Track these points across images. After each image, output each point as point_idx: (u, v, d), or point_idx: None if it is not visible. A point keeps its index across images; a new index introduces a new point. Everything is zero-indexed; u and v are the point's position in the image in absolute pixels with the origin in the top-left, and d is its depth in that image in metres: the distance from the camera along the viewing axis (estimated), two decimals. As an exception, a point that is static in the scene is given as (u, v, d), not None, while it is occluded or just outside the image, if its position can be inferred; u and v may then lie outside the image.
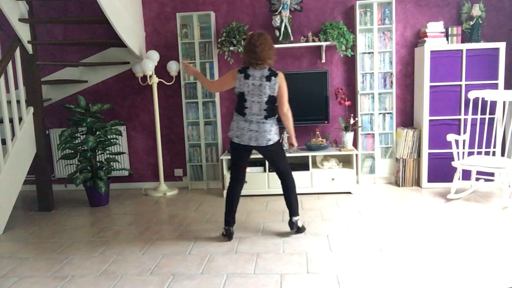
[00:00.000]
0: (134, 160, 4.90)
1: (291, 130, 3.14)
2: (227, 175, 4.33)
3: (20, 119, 3.90)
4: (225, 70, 4.64)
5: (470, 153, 4.23)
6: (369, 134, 4.53)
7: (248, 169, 4.32)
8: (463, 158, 4.08)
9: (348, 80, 4.58)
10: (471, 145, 4.22)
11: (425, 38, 4.17)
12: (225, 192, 4.35)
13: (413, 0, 4.40)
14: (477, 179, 4.21)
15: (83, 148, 4.19)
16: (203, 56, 4.57)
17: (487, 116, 4.11)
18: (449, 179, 4.22)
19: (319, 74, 4.35)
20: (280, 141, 3.17)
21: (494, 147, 4.16)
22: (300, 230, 3.21)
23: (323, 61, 4.54)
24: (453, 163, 3.87)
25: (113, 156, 4.64)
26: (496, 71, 4.09)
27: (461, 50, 4.10)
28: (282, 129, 3.68)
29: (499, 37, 4.33)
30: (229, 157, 4.33)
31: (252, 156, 4.30)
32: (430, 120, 4.23)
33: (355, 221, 3.45)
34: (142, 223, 3.67)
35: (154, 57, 4.37)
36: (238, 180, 3.18)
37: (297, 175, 3.87)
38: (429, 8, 4.39)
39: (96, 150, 4.23)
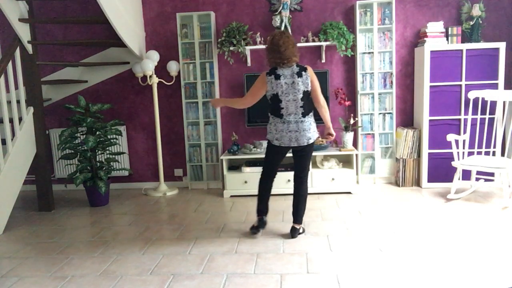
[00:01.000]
0: (134, 160, 4.90)
1: (329, 121, 3.14)
2: (227, 175, 4.33)
3: (20, 119, 3.90)
4: (225, 70, 4.65)
5: (470, 153, 4.23)
6: (369, 134, 4.53)
7: (248, 169, 4.33)
8: (463, 158, 4.08)
9: (348, 80, 4.58)
10: (471, 145, 4.22)
11: (425, 38, 4.17)
12: (226, 192, 4.37)
13: (413, 0, 4.40)
14: (477, 179, 4.21)
15: (83, 148, 4.19)
16: (203, 56, 4.57)
17: (487, 116, 4.11)
18: (449, 179, 4.22)
19: (319, 74, 4.33)
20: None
21: (494, 147, 4.16)
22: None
23: (323, 61, 4.54)
24: (453, 163, 3.87)
25: (113, 156, 4.64)
26: (496, 71, 4.09)
27: (461, 50, 4.10)
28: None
29: (499, 37, 4.33)
30: (229, 157, 4.35)
31: (252, 156, 4.34)
32: (430, 120, 4.23)
33: (355, 221, 3.45)
34: (142, 223, 3.67)
35: (154, 57, 4.37)
36: (269, 177, 3.17)
37: (297, 175, 3.87)
38: (429, 8, 4.39)
39: (96, 150, 4.23)
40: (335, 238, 3.09)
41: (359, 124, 4.50)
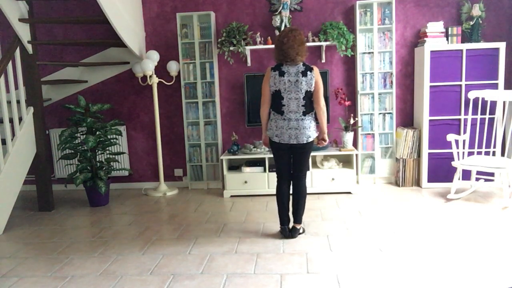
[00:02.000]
0: (134, 160, 4.90)
1: (325, 126, 3.10)
2: (227, 175, 4.33)
3: (20, 119, 3.90)
4: (225, 70, 4.65)
5: (470, 153, 4.23)
6: (369, 134, 4.53)
7: (248, 169, 4.33)
8: (463, 158, 4.08)
9: (348, 80, 4.58)
10: (471, 145, 4.22)
11: (425, 38, 4.17)
12: (226, 192, 4.36)
13: (413, 0, 4.40)
14: (477, 179, 4.21)
15: (83, 148, 4.19)
16: (203, 56, 4.57)
17: (487, 116, 4.11)
18: (449, 179, 4.21)
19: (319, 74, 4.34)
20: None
21: (494, 147, 4.16)
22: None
23: (323, 61, 4.54)
24: (453, 163, 3.87)
25: (113, 156, 4.64)
26: (496, 71, 4.09)
27: (461, 50, 4.10)
28: None
29: (499, 37, 4.33)
30: (229, 157, 4.35)
31: (252, 156, 4.34)
32: (430, 120, 4.23)
33: (355, 221, 3.45)
34: (142, 223, 3.67)
35: (154, 57, 4.37)
36: (283, 178, 3.14)
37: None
38: (429, 8, 4.39)
39: (96, 150, 4.23)
40: (335, 238, 3.09)
41: (359, 124, 4.50)
